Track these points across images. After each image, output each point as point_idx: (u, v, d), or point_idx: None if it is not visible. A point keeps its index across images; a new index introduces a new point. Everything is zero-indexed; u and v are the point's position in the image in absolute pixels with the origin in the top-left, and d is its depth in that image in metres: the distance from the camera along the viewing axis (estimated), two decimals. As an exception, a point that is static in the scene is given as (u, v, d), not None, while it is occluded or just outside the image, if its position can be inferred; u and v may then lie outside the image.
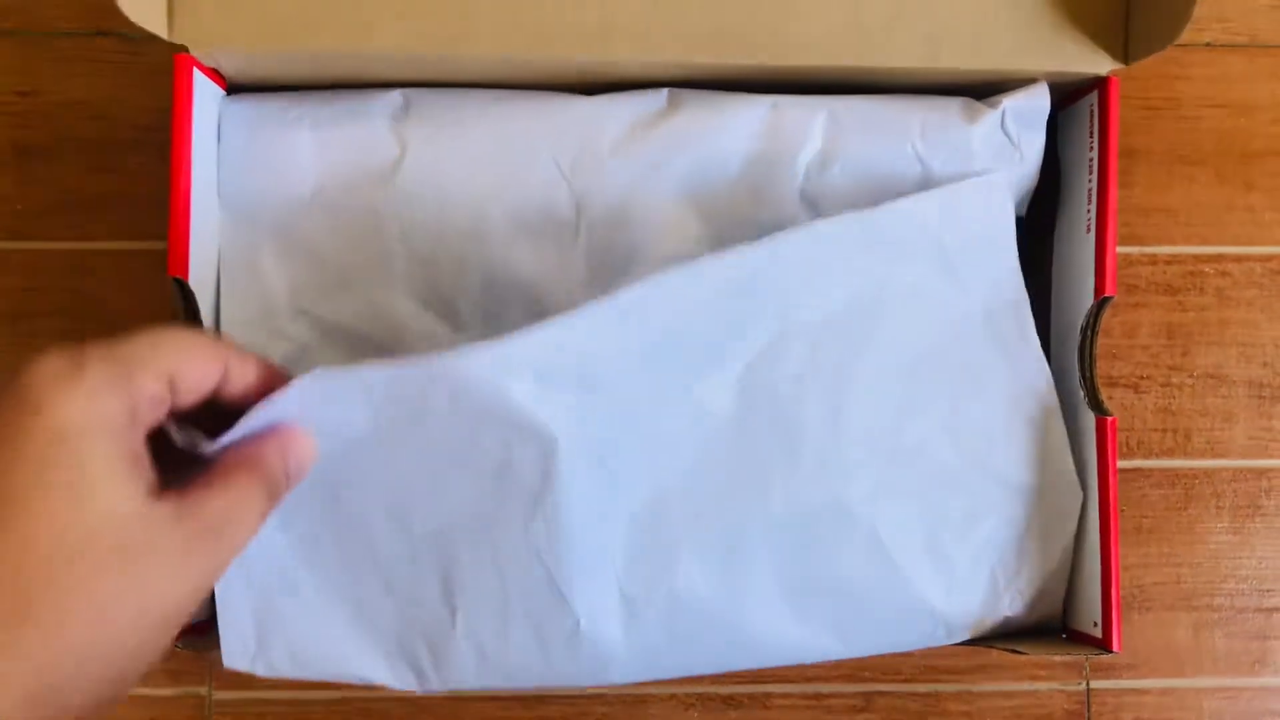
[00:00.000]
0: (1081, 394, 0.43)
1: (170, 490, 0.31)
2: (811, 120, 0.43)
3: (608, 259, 0.43)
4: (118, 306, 0.52)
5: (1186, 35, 0.54)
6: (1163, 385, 0.54)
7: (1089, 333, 0.43)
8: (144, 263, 0.52)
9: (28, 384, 0.29)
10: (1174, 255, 0.54)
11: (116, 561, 0.29)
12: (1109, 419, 0.42)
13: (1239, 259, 0.54)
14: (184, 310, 0.41)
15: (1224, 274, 0.54)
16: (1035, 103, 0.43)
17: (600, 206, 0.43)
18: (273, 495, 0.34)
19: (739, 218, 0.43)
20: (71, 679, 0.28)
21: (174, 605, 0.30)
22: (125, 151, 0.52)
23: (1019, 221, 0.49)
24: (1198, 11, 0.40)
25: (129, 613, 0.29)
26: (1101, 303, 0.43)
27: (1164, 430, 0.54)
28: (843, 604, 0.42)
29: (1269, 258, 0.54)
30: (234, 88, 0.45)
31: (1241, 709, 0.53)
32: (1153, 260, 0.54)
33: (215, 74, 0.43)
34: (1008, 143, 0.44)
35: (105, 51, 0.52)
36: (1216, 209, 0.54)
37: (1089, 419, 0.43)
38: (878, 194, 0.43)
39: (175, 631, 0.31)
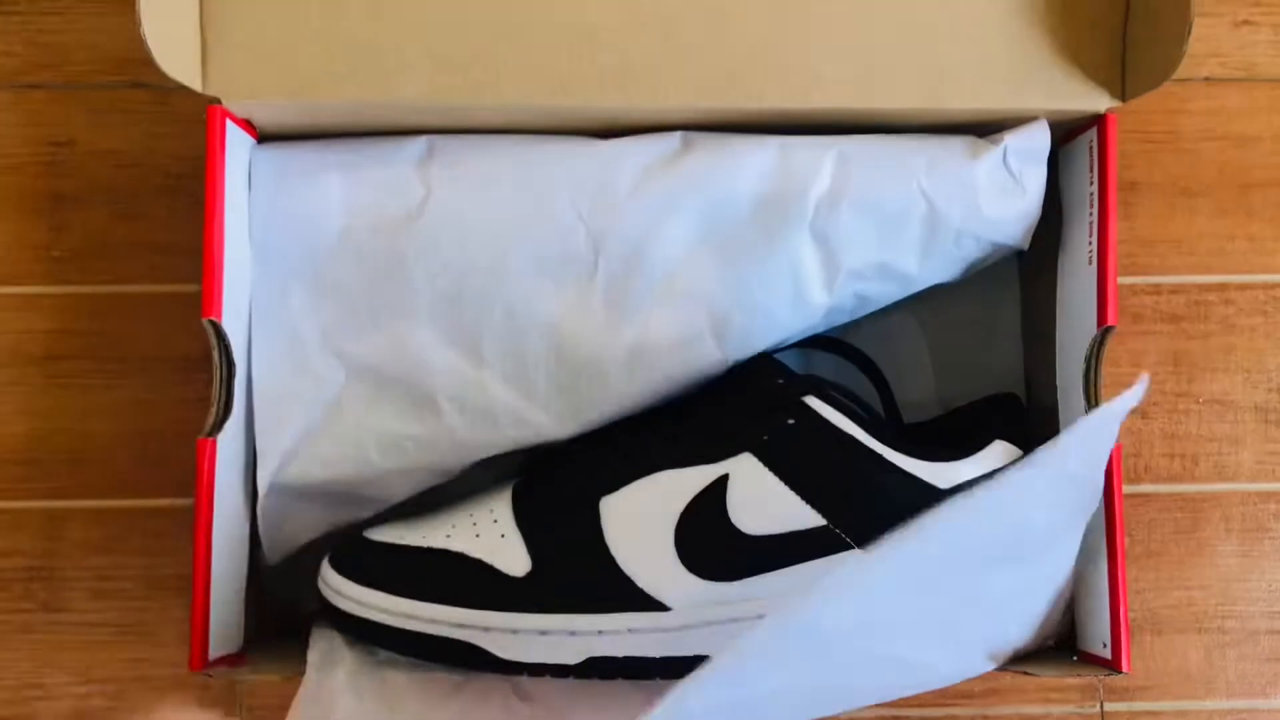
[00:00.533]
0: None
1: None
2: (820, 160, 0.44)
3: (625, 296, 0.45)
4: (148, 348, 0.53)
5: (1185, 70, 0.55)
6: (1169, 412, 0.55)
7: (1093, 361, 0.45)
8: (174, 305, 0.53)
9: None
10: (1178, 285, 0.55)
11: None
12: (1114, 445, 0.43)
13: (1242, 287, 0.55)
14: (219, 348, 0.43)
15: (1228, 302, 0.55)
16: (1036, 139, 0.45)
17: (617, 246, 0.44)
18: None
19: (752, 255, 0.45)
20: None
21: None
22: (157, 198, 0.53)
23: (1020, 255, 0.50)
24: (1196, 47, 0.41)
25: None
26: (1104, 332, 0.44)
27: (1172, 455, 0.55)
28: (853, 697, 0.43)
29: (1273, 285, 0.55)
30: (265, 136, 0.46)
31: (1255, 731, 0.54)
32: (1157, 290, 0.55)
33: (247, 124, 0.45)
34: (1010, 178, 0.45)
35: (138, 102, 0.54)
36: (1219, 239, 0.55)
37: None
38: (885, 229, 0.44)
39: None
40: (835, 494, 0.44)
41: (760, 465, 0.45)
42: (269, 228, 0.45)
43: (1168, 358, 0.55)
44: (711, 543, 0.44)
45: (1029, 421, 0.49)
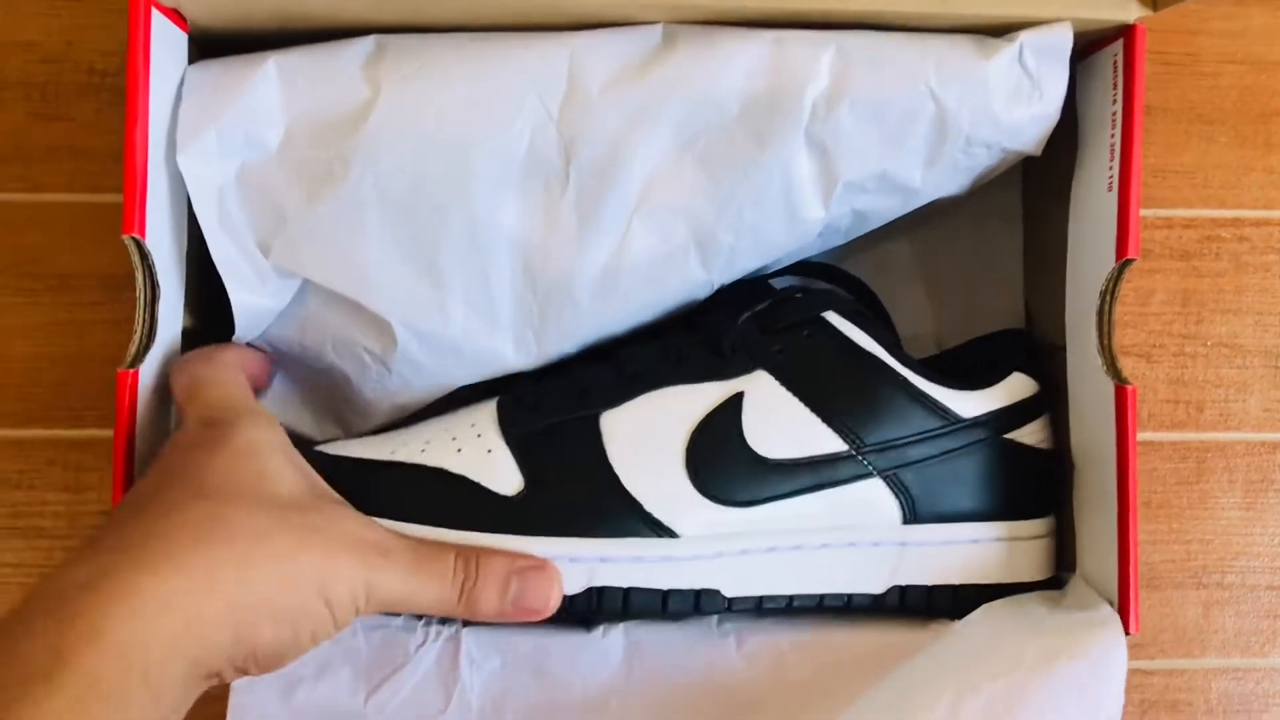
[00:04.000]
0: (1099, 361, 0.41)
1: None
2: (818, 56, 0.40)
3: (599, 209, 0.40)
4: (71, 263, 0.48)
5: (1207, -14, 0.52)
6: (1175, 355, 0.52)
7: (1108, 296, 0.41)
8: (99, 216, 0.49)
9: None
10: (1190, 219, 0.52)
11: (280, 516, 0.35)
12: (1128, 388, 0.40)
13: (1258, 223, 0.52)
14: (142, 269, 0.38)
15: (1242, 239, 0.52)
16: (1056, 39, 0.41)
17: (591, 151, 0.40)
18: (465, 604, 0.38)
19: (741, 163, 0.40)
20: (255, 610, 0.33)
21: (326, 580, 0.34)
22: (80, 97, 0.49)
23: (1025, 183, 0.47)
24: (1218, -35, 0.37)
25: (288, 573, 0.34)
26: (1122, 265, 0.40)
27: (1176, 401, 0.51)
28: None
29: (1288, 222, 0.52)
30: (196, 30, 0.41)
31: (1250, 690, 0.51)
32: (1168, 224, 0.51)
33: (175, 14, 0.40)
34: (1026, 79, 0.41)
35: (57, -11, 0.49)
36: (1235, 170, 0.52)
37: (1107, 387, 0.41)
38: (888, 134, 0.40)
39: (336, 617, 0.35)
40: (859, 417, 0.41)
41: (776, 383, 0.41)
42: (199, 134, 0.40)
43: (1176, 297, 0.52)
44: (726, 465, 0.40)
45: (1036, 359, 0.46)
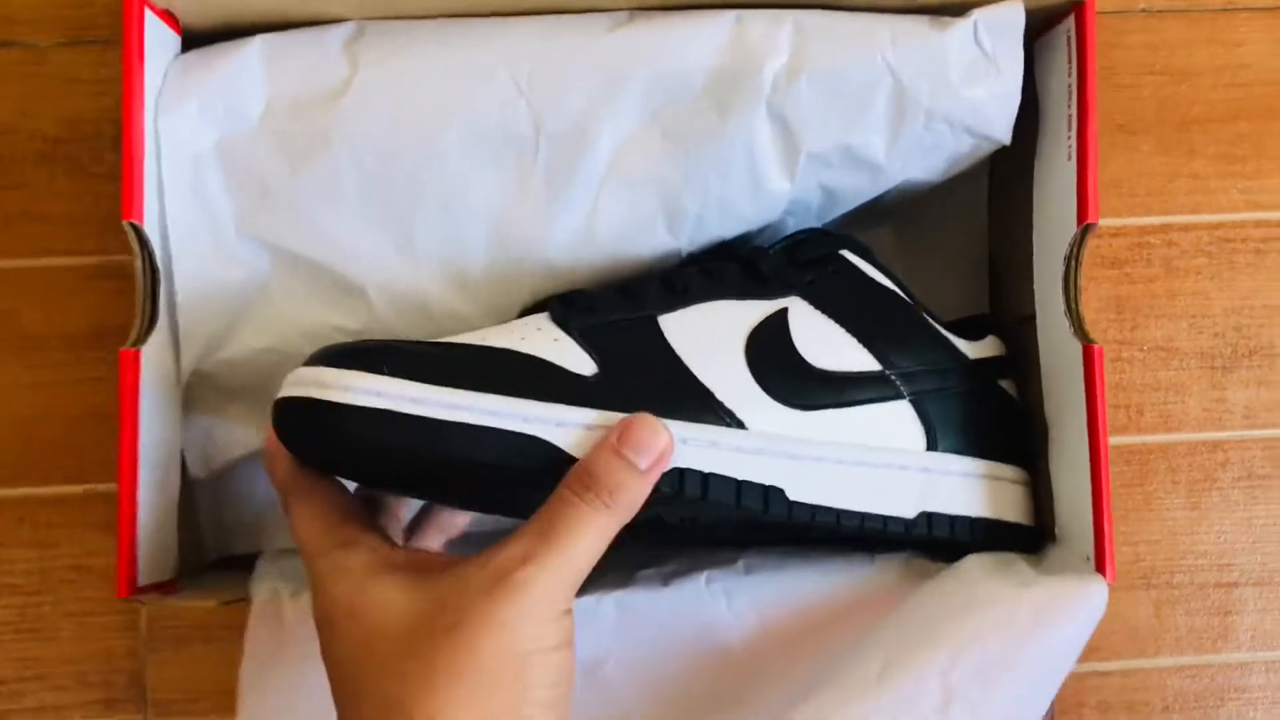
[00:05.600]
0: (1067, 324, 0.42)
1: None
2: (777, 32, 0.41)
3: (569, 179, 0.42)
4: (33, 326, 0.50)
5: (1122, 1, 0.53)
6: (1113, 360, 0.53)
7: (1072, 261, 0.42)
8: (60, 280, 0.50)
9: None
10: (1119, 228, 0.53)
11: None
12: (1095, 347, 0.41)
13: (1185, 228, 0.53)
14: (141, 254, 0.40)
15: (1171, 244, 0.53)
16: (1008, 15, 0.42)
17: (560, 123, 0.41)
18: (615, 508, 0.35)
19: (704, 134, 0.42)
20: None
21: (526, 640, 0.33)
22: (35, 166, 0.50)
23: (1002, 150, 0.47)
24: (1132, -22, 0.38)
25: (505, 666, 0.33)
26: (1084, 230, 0.42)
27: (1116, 406, 0.53)
28: None
29: (1216, 225, 0.53)
30: (189, 32, 0.43)
31: (1205, 687, 0.52)
32: (1097, 233, 0.53)
33: (168, 16, 0.42)
34: (982, 55, 0.42)
35: (9, 63, 0.50)
36: (1160, 178, 0.53)
37: (1075, 349, 0.42)
38: (848, 106, 0.42)
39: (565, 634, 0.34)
40: (887, 342, 0.43)
41: (811, 307, 0.43)
42: (181, 102, 0.41)
43: (1110, 304, 0.53)
44: (783, 368, 0.41)
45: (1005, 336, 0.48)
